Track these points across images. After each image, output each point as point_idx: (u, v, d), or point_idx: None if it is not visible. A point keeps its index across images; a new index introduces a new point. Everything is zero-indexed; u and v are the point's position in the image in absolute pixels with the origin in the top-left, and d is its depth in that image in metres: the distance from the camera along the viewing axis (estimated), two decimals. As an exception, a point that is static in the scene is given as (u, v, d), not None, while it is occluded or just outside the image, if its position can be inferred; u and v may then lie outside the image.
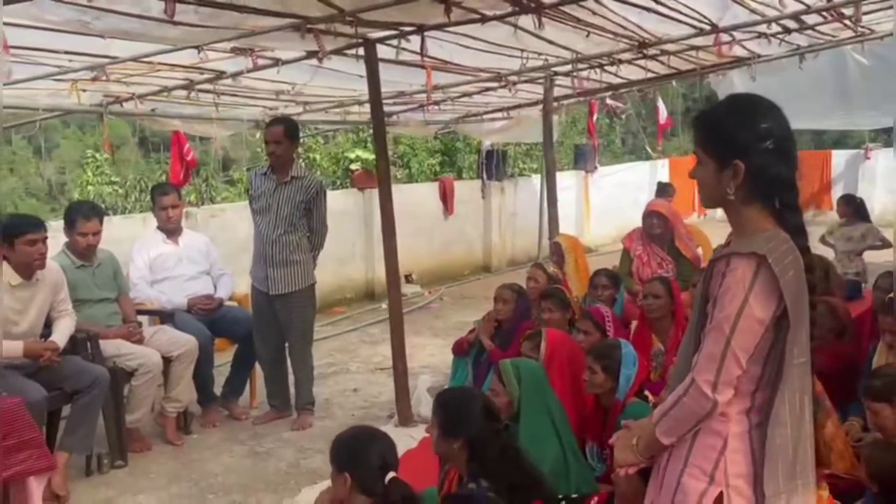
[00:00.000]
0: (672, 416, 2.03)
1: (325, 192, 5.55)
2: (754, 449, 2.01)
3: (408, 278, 10.69)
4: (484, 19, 4.83)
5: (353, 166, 11.47)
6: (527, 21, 4.89)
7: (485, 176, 12.11)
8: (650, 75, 7.96)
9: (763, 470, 1.98)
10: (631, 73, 8.08)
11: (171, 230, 5.90)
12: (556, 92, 8.88)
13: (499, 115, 10.25)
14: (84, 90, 5.48)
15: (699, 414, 1.98)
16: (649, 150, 16.16)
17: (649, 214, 6.26)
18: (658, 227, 6.21)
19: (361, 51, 5.05)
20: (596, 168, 13.99)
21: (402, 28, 4.90)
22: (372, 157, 10.68)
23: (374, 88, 5.13)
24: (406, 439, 5.03)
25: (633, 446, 2.16)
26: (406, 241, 10.51)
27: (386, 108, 8.52)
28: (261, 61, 5.13)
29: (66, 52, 4.57)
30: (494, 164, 11.97)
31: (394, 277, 5.40)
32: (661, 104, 12.72)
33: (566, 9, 4.91)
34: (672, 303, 4.80)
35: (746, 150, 1.99)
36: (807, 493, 2.04)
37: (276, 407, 5.70)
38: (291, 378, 5.71)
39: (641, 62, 7.38)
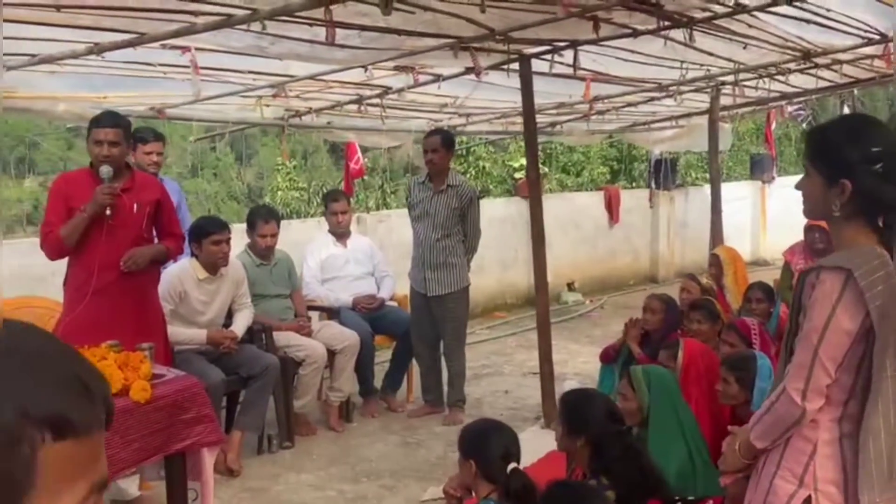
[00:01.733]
0: (764, 421, 2.14)
1: (478, 199, 5.85)
2: (845, 457, 2.06)
3: (570, 286, 10.82)
4: (636, 34, 4.92)
5: (517, 175, 11.72)
6: (680, 34, 4.95)
7: (653, 185, 12.03)
8: (823, 84, 7.68)
9: (856, 478, 2.04)
10: (803, 81, 7.84)
11: (340, 234, 6.38)
12: (728, 101, 8.74)
13: (667, 123, 10.16)
14: (267, 105, 6.05)
15: (788, 421, 2.07)
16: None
17: (811, 228, 6.07)
18: (820, 242, 6.00)
19: (516, 65, 5.27)
20: (774, 178, 13.49)
21: (555, 44, 5.10)
22: (537, 165, 10.88)
23: (527, 102, 5.35)
24: (550, 441, 5.18)
25: (736, 450, 2.27)
26: (570, 249, 10.76)
27: (549, 119, 8.75)
28: (422, 77, 5.48)
29: (251, 72, 5.10)
30: (663, 173, 11.86)
31: (542, 283, 5.58)
32: (847, 112, 12.13)
33: (720, 22, 4.92)
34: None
35: (855, 170, 2.07)
36: None
37: (430, 402, 6.03)
38: (445, 375, 6.03)
39: (813, 71, 7.17)
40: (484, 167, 14.00)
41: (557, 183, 15.12)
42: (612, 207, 11.34)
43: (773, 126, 12.76)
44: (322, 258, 6.32)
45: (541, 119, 8.80)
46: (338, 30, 3.92)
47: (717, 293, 6.09)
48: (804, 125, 13.59)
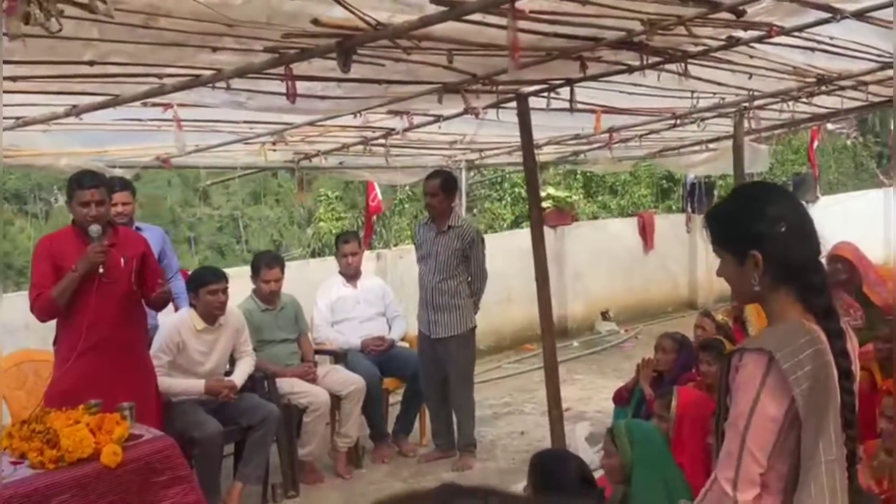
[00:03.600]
0: None
1: (482, 239, 5.78)
2: None
3: (604, 315, 10.61)
4: (631, 69, 4.80)
5: (544, 204, 11.58)
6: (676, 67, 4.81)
7: (689, 209, 11.77)
8: (850, 104, 7.41)
9: None
10: (832, 102, 7.57)
11: (350, 275, 6.35)
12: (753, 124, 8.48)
13: (696, 148, 9.93)
14: (273, 150, 6.07)
15: None
16: (882, 177, 14.86)
17: (833, 259, 5.81)
18: (843, 273, 5.76)
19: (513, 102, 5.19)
20: (817, 198, 13.08)
21: (550, 82, 5.00)
22: (564, 194, 10.75)
23: (526, 139, 5.26)
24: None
25: None
26: (603, 277, 10.56)
27: (571, 148, 8.62)
28: (418, 119, 5.43)
29: (245, 122, 5.11)
30: (697, 197, 11.60)
31: (548, 324, 5.43)
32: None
33: (719, 54, 4.76)
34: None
35: (760, 238, 1.97)
36: None
37: (441, 446, 5.93)
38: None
39: (838, 92, 6.91)
40: (520, 193, 13.89)
41: (600, 206, 14.91)
42: (646, 234, 11.12)
43: (816, 144, 12.41)
44: (332, 300, 6.30)
45: (563, 149, 8.70)
46: (318, 82, 3.93)
47: (734, 329, 5.87)
48: (848, 142, 13.23)
